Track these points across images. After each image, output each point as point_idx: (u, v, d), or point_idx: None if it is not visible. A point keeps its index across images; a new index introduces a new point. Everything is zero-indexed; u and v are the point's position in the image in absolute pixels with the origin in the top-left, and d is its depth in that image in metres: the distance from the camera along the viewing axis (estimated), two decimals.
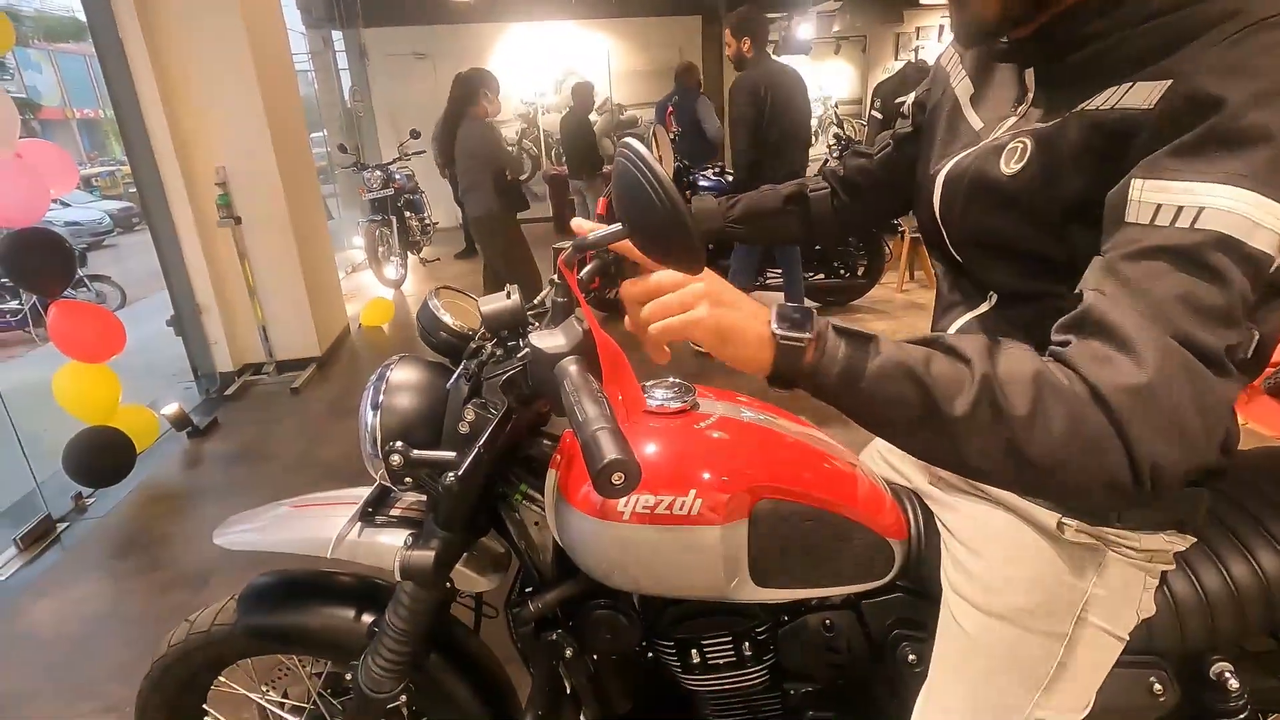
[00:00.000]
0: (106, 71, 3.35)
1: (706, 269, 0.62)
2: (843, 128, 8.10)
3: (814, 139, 10.29)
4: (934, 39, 8.03)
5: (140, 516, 2.67)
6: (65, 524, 2.59)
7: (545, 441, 0.94)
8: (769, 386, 0.61)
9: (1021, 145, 0.69)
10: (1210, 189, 0.53)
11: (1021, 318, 0.73)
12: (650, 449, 0.81)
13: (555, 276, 0.71)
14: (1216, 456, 0.56)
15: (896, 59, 8.67)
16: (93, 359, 2.71)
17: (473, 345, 0.87)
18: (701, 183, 4.36)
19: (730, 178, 4.43)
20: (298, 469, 2.93)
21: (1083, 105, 0.63)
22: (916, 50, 5.26)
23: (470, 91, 3.46)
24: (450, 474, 0.80)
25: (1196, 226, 0.53)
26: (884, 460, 1.03)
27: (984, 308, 0.79)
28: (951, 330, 0.82)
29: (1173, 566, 0.78)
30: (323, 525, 0.97)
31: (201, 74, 3.48)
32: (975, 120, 0.79)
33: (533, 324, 0.79)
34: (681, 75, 5.31)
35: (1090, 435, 0.52)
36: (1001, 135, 0.73)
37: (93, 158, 19.85)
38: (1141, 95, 0.58)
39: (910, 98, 0.98)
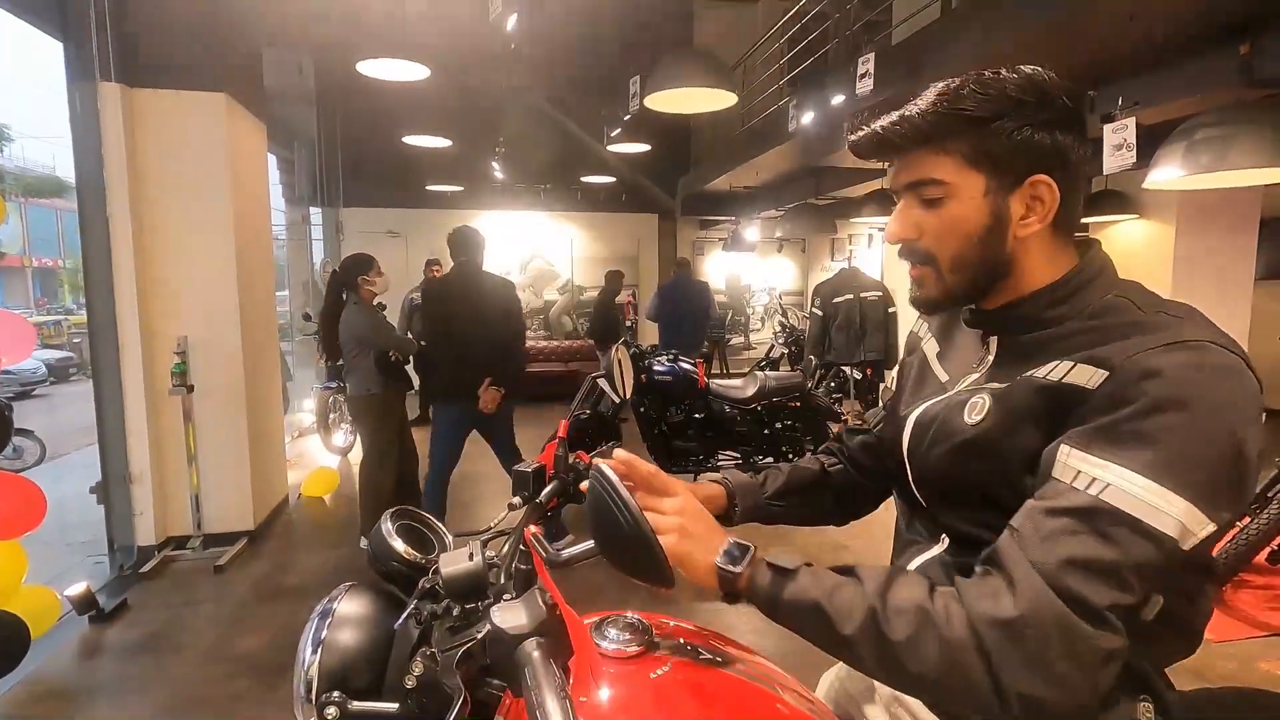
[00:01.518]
0: (85, 233, 3.43)
1: (687, 498, 0.76)
2: (786, 316, 8.72)
3: (760, 324, 11.02)
4: (864, 245, 8.95)
5: (18, 718, 2.35)
6: None
7: (494, 682, 0.92)
8: (722, 599, 0.75)
9: (982, 400, 0.79)
10: (1120, 471, 0.62)
11: (972, 562, 0.77)
12: (602, 708, 0.80)
13: (520, 544, 0.74)
14: (1092, 701, 0.62)
15: (833, 259, 9.59)
16: (3, 536, 2.52)
17: (425, 584, 0.85)
18: (656, 368, 4.56)
19: (683, 364, 4.66)
20: (210, 662, 2.66)
21: (1033, 373, 0.74)
22: (850, 255, 5.86)
23: (350, 279, 3.59)
24: None
25: (1102, 498, 0.62)
26: (843, 688, 1.04)
27: (937, 549, 0.85)
28: (909, 569, 0.87)
29: None
30: None
31: (180, 246, 3.61)
32: (942, 373, 0.91)
33: (490, 593, 0.77)
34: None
35: (959, 661, 0.62)
36: (965, 389, 0.83)
37: (41, 304, 19.63)
38: (1084, 376, 0.68)
39: (895, 371, 1.10)
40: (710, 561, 0.74)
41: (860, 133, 0.79)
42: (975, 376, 0.84)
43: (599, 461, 0.60)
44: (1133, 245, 5.21)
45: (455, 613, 0.77)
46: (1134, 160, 2.90)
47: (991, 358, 0.83)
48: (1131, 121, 2.84)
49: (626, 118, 4.87)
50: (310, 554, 3.71)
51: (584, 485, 0.81)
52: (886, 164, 0.84)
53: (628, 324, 4.87)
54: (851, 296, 5.07)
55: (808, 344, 5.39)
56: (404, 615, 0.84)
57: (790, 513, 1.06)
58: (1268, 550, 2.95)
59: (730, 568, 0.73)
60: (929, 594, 0.66)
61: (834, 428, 5.05)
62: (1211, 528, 0.62)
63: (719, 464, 4.69)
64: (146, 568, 3.46)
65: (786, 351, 8.07)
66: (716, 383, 4.72)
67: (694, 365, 4.67)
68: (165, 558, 3.58)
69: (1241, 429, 0.63)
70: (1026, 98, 0.73)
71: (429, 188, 8.14)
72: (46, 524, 2.59)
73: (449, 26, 4.35)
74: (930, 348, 0.96)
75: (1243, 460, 0.63)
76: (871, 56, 3.54)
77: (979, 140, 0.75)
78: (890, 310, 5.11)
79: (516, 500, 1.00)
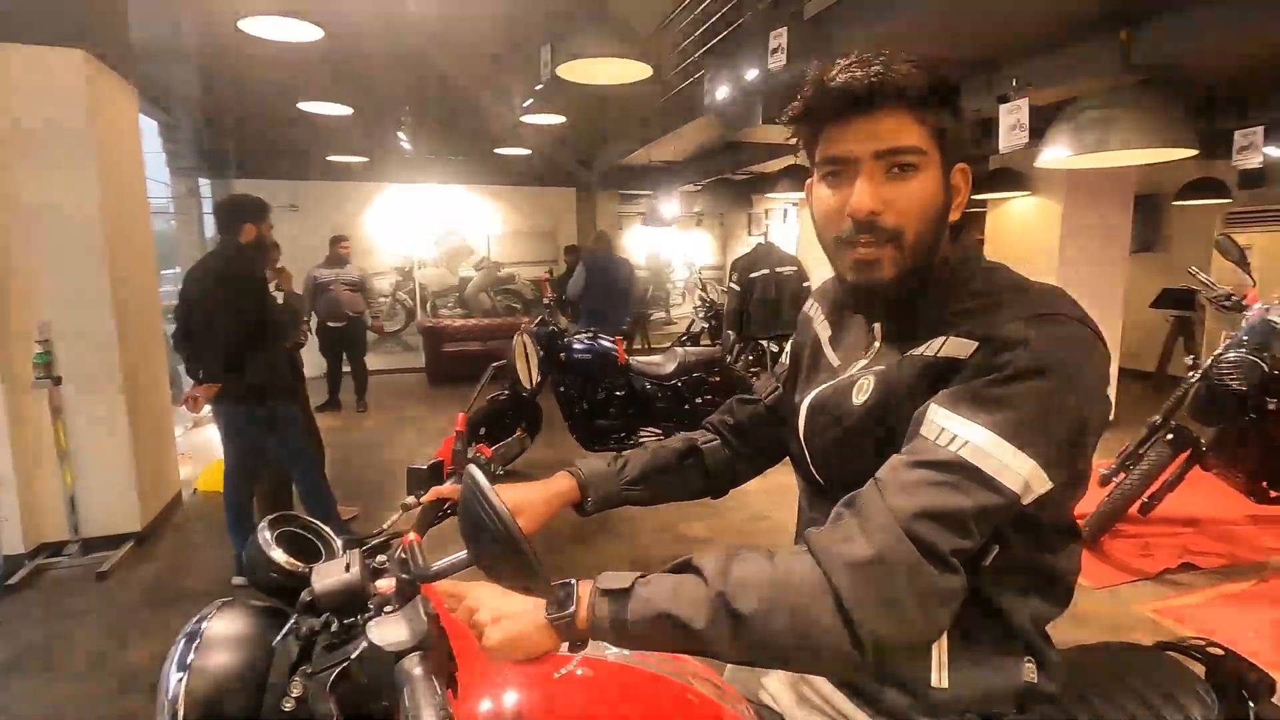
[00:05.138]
0: None
1: (471, 587, 0.69)
2: (706, 290, 8.81)
3: (680, 299, 11.09)
4: (779, 219, 9.12)
5: None
6: None
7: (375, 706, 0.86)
8: (569, 651, 0.70)
9: (867, 381, 0.82)
10: (980, 431, 0.67)
11: None
12: (505, 708, 0.76)
13: (401, 552, 0.68)
14: (934, 639, 0.69)
15: (750, 234, 9.73)
16: None
17: (306, 596, 0.79)
18: (575, 346, 4.50)
19: (603, 341, 4.62)
20: (93, 678, 2.43)
21: (911, 351, 0.78)
22: (766, 231, 5.95)
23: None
24: None
25: (957, 452, 0.67)
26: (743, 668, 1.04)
27: None
28: None
29: None
30: None
31: (38, 221, 3.23)
32: (834, 358, 0.93)
33: (371, 605, 0.70)
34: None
35: (812, 613, 0.63)
36: (855, 373, 0.85)
37: None
38: (958, 348, 0.73)
39: (787, 346, 1.08)
40: (540, 620, 0.68)
41: (842, 80, 0.75)
42: (864, 361, 0.86)
43: (471, 468, 0.55)
44: (1026, 220, 5.52)
45: (334, 628, 0.70)
46: (1026, 139, 3.04)
47: (879, 344, 0.86)
48: (1025, 102, 2.97)
49: (539, 88, 4.71)
50: (208, 553, 3.46)
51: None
52: (822, 134, 0.79)
53: (545, 302, 4.76)
54: (768, 271, 5.15)
55: (725, 319, 5.46)
56: (283, 632, 0.77)
57: (653, 494, 1.05)
58: (1139, 503, 3.23)
59: (561, 613, 0.67)
60: (770, 560, 0.68)
61: None
62: (1049, 486, 0.68)
63: (640, 440, 4.71)
64: (14, 579, 3.13)
65: (707, 326, 8.16)
66: (636, 360, 4.71)
67: (613, 343, 4.63)
68: (37, 566, 3.26)
69: (1089, 400, 0.69)
70: (957, 84, 0.78)
71: (330, 159, 7.67)
72: None
73: None
74: (823, 331, 0.98)
75: (1087, 429, 0.70)
76: (784, 31, 3.54)
77: (941, 115, 0.76)
78: (805, 284, 5.23)
79: (410, 500, 0.94)
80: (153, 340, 4.08)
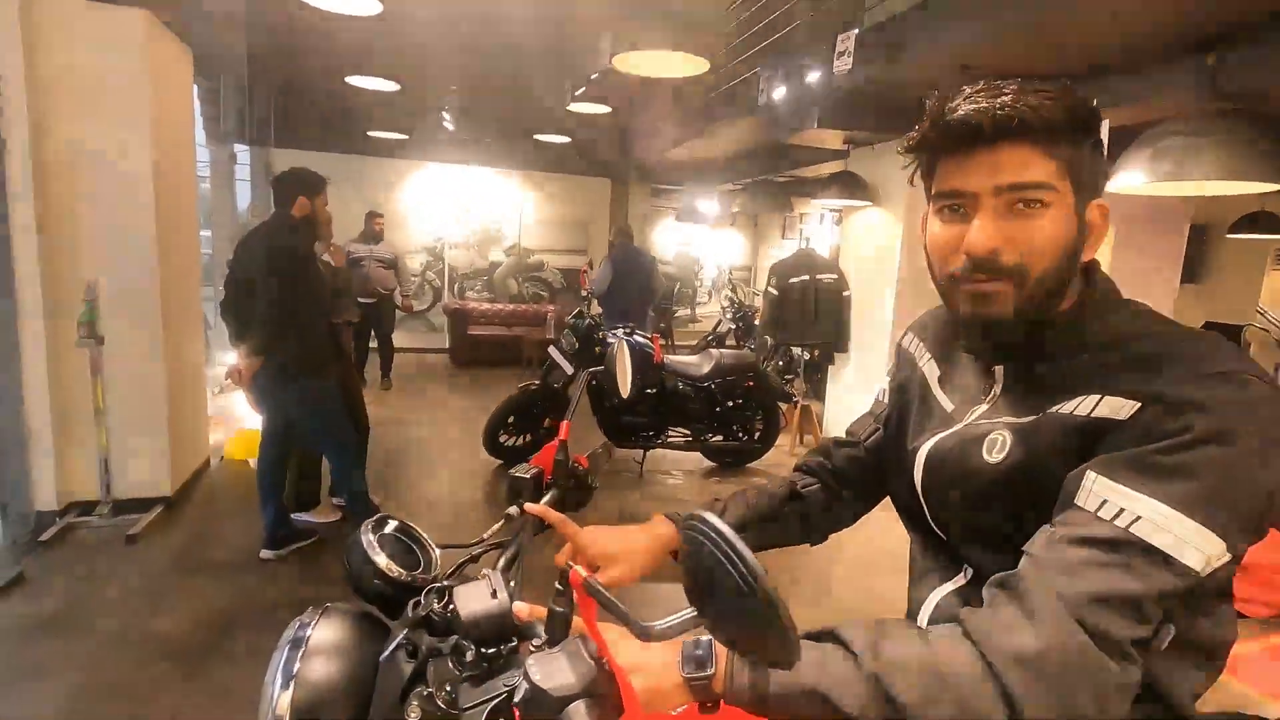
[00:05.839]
0: None
1: (609, 628, 0.64)
2: (735, 291, 8.73)
3: (707, 298, 11.01)
4: (815, 223, 9.01)
5: None
6: None
7: None
8: (700, 713, 0.65)
9: (1001, 438, 0.74)
10: (1152, 504, 0.60)
11: None
12: None
13: (558, 584, 0.63)
14: None
15: (784, 237, 9.63)
16: None
17: (415, 612, 0.71)
18: (610, 339, 4.44)
19: (639, 337, 4.57)
20: (123, 645, 2.42)
21: (1056, 409, 0.70)
22: (807, 239, 5.85)
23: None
24: None
25: (1130, 530, 0.60)
26: None
27: (960, 580, 0.82)
28: (929, 601, 0.84)
29: None
30: None
31: (90, 179, 3.22)
32: (945, 401, 0.86)
33: (533, 642, 0.65)
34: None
35: (979, 707, 0.57)
36: (976, 422, 0.79)
37: None
38: (1114, 408, 0.65)
39: (885, 382, 1.02)
40: (675, 678, 0.63)
41: (964, 112, 0.69)
42: (984, 408, 0.80)
43: (702, 513, 0.49)
44: None
45: (468, 657, 0.65)
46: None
47: (999, 388, 0.79)
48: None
49: (592, 76, 4.65)
50: (237, 522, 3.45)
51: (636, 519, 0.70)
52: (960, 160, 0.72)
53: (583, 294, 4.71)
54: (808, 278, 5.06)
55: (761, 323, 5.37)
56: (391, 646, 0.72)
57: (756, 542, 0.98)
58: None
59: (699, 674, 0.63)
60: (923, 640, 0.63)
61: (783, 408, 5.08)
62: (1228, 558, 0.62)
63: (669, 440, 4.66)
64: (46, 535, 3.14)
65: (734, 327, 8.07)
66: (671, 359, 4.65)
67: (649, 340, 4.58)
68: (68, 525, 3.26)
69: (1276, 464, 0.62)
70: (1097, 113, 0.71)
71: (370, 134, 7.64)
72: None
73: None
74: (930, 370, 0.91)
75: (1274, 496, 0.63)
76: (853, 35, 3.46)
77: (1075, 149, 0.70)
78: (845, 294, 5.13)
79: (513, 511, 0.89)
80: (192, 303, 4.08)
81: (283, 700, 0.70)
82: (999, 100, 0.68)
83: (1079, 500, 0.63)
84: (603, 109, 5.56)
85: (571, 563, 0.59)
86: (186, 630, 2.52)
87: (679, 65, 4.01)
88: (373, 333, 6.54)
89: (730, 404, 4.67)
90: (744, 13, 4.34)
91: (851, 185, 4.94)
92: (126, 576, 2.90)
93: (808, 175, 6.64)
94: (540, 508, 0.88)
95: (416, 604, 0.76)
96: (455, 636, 0.66)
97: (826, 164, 5.93)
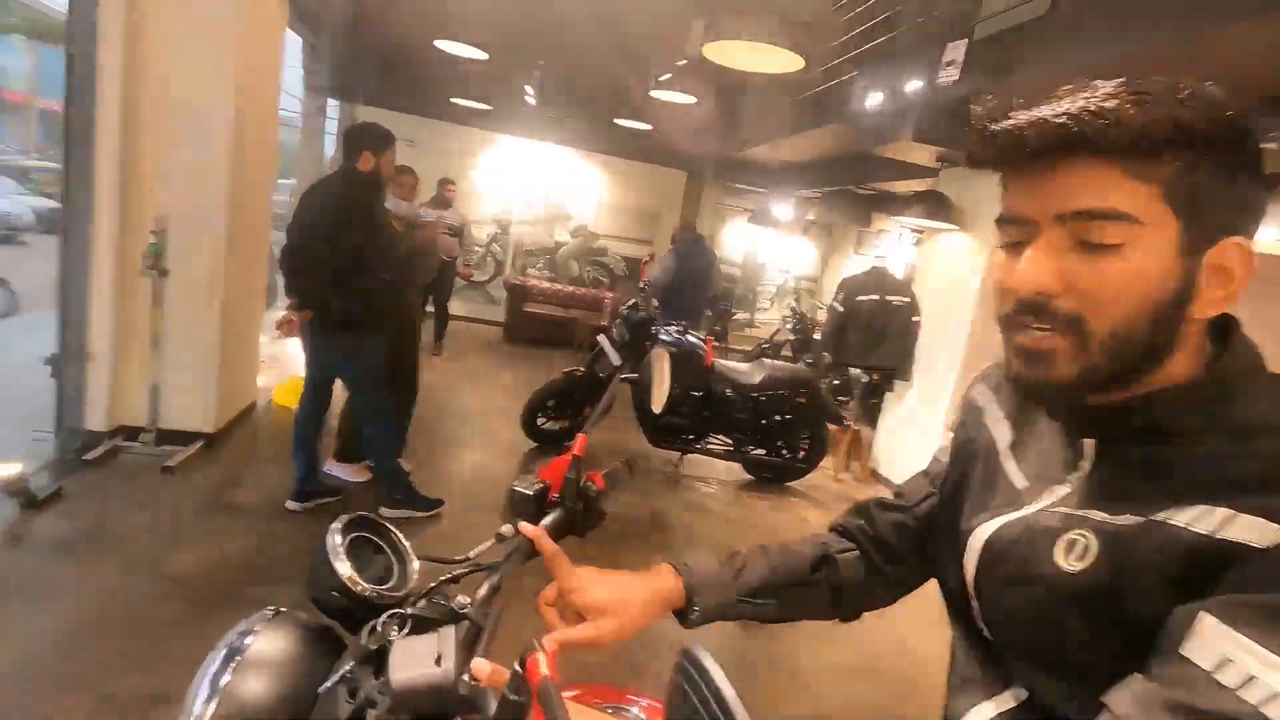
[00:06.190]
0: (70, 79, 3.10)
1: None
2: (799, 302, 8.45)
3: (768, 304, 10.74)
4: (892, 241, 8.65)
5: None
6: None
7: None
8: None
9: (1084, 540, 0.57)
10: None
11: None
12: None
13: (518, 664, 0.50)
14: None
15: (857, 251, 9.27)
16: None
17: (368, 640, 0.62)
18: (663, 338, 4.31)
19: (691, 337, 4.42)
20: (139, 574, 2.45)
21: (1167, 516, 0.52)
22: (881, 256, 5.57)
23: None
24: None
25: (1259, 707, 0.43)
26: None
27: (1010, 703, 0.64)
28: (967, 719, 0.67)
29: None
30: None
31: (172, 112, 3.28)
32: (1017, 476, 0.68)
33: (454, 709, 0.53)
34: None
35: None
36: (1053, 509, 0.62)
37: (44, 149, 18.86)
38: (1250, 531, 0.48)
39: (946, 439, 0.84)
40: None
41: (1012, 124, 0.54)
42: (1064, 491, 0.62)
43: (694, 650, 0.36)
44: None
45: None
46: None
47: (1089, 465, 0.61)
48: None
49: (680, 63, 4.50)
50: (271, 468, 3.48)
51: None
52: (1006, 177, 0.58)
53: (641, 285, 4.59)
54: (878, 297, 4.80)
55: (823, 339, 5.14)
56: (333, 679, 0.62)
57: (777, 612, 0.82)
58: None
59: None
60: None
61: (832, 430, 4.85)
62: None
63: (709, 446, 4.50)
64: (92, 454, 3.22)
65: (792, 339, 7.82)
66: (722, 363, 4.49)
67: (702, 341, 4.43)
68: (114, 447, 3.35)
69: None
70: (1240, 124, 0.52)
71: (453, 100, 7.68)
72: None
73: None
74: (1000, 434, 0.72)
75: None
76: (963, 44, 3.20)
77: (1187, 170, 0.51)
78: (915, 319, 4.85)
79: (506, 530, 0.77)
80: (259, 246, 4.14)
81: (204, 714, 0.60)
82: (1060, 107, 0.52)
83: (1189, 650, 0.47)
84: (687, 99, 5.40)
85: (538, 642, 0.46)
86: (201, 570, 2.53)
87: (772, 60, 3.82)
88: (431, 297, 6.59)
89: (778, 418, 4.48)
90: (847, 13, 4.11)
91: (937, 206, 4.65)
92: (157, 509, 2.95)
93: (893, 189, 6.34)
94: (536, 530, 0.76)
95: (373, 629, 0.65)
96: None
97: (913, 181, 5.63)
